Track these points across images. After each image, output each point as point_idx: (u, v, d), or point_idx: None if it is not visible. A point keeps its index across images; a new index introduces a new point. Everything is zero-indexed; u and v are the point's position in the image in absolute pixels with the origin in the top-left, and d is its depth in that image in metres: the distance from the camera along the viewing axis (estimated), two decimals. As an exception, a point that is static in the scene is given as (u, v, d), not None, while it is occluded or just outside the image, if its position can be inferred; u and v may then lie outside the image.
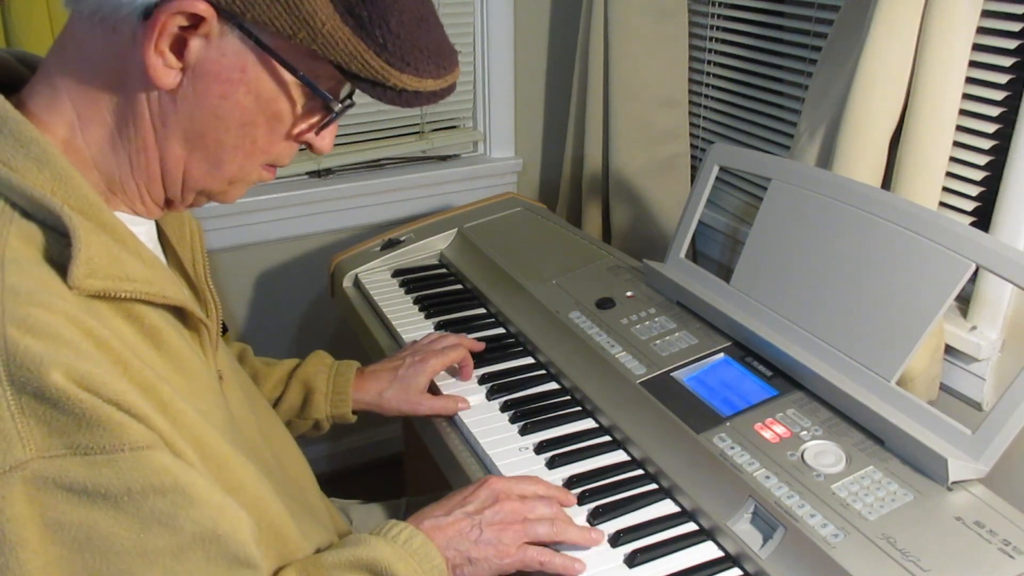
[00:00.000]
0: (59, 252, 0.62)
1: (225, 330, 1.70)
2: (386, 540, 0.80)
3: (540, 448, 1.03)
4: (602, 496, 0.95)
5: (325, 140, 0.73)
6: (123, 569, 0.58)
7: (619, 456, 1.02)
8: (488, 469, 1.01)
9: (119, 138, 0.67)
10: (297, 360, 1.14)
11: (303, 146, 0.74)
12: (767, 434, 0.97)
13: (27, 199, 0.62)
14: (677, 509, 0.94)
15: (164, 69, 0.63)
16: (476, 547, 0.84)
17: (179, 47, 0.63)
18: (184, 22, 0.62)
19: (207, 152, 0.69)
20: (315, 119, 0.71)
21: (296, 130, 0.71)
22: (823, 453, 0.94)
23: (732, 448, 0.95)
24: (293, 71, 0.65)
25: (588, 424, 1.08)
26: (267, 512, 0.74)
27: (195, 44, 0.63)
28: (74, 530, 0.57)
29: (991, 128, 1.19)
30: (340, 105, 0.69)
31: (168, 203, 0.73)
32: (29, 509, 0.55)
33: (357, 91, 0.69)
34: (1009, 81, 1.16)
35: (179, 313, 0.73)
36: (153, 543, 0.60)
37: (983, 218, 1.22)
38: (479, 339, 1.24)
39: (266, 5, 0.61)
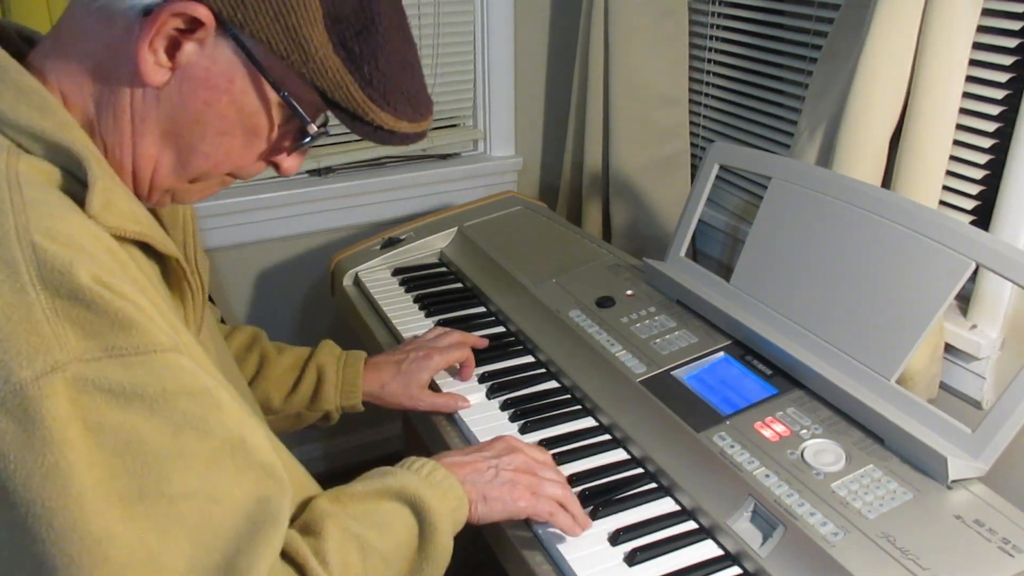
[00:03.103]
0: (70, 187, 0.63)
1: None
2: (411, 472, 0.82)
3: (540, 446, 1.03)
4: (602, 495, 0.95)
5: (293, 163, 0.75)
6: (162, 474, 0.59)
7: (619, 455, 1.02)
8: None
9: (97, 127, 0.68)
10: (309, 348, 1.14)
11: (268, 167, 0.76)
12: (767, 433, 0.97)
13: (35, 138, 0.63)
14: (677, 508, 0.94)
15: (154, 67, 0.64)
16: (491, 486, 0.86)
17: (172, 48, 0.64)
18: (182, 24, 0.63)
19: (179, 153, 0.69)
20: (288, 142, 0.73)
21: (270, 149, 0.72)
22: (823, 452, 0.94)
23: (732, 447, 0.96)
24: (278, 90, 0.67)
25: (588, 423, 1.08)
26: (279, 453, 0.74)
27: (188, 47, 0.64)
28: (114, 433, 0.57)
29: (991, 127, 1.19)
30: (316, 130, 0.71)
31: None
32: (72, 410, 0.56)
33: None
34: (1009, 80, 1.16)
35: (165, 275, 0.73)
36: (188, 446, 0.60)
37: (983, 217, 1.22)
38: (479, 337, 1.24)
39: (266, 23, 0.63)
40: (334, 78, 0.66)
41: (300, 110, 0.68)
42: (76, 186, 0.63)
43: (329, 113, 0.71)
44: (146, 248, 0.69)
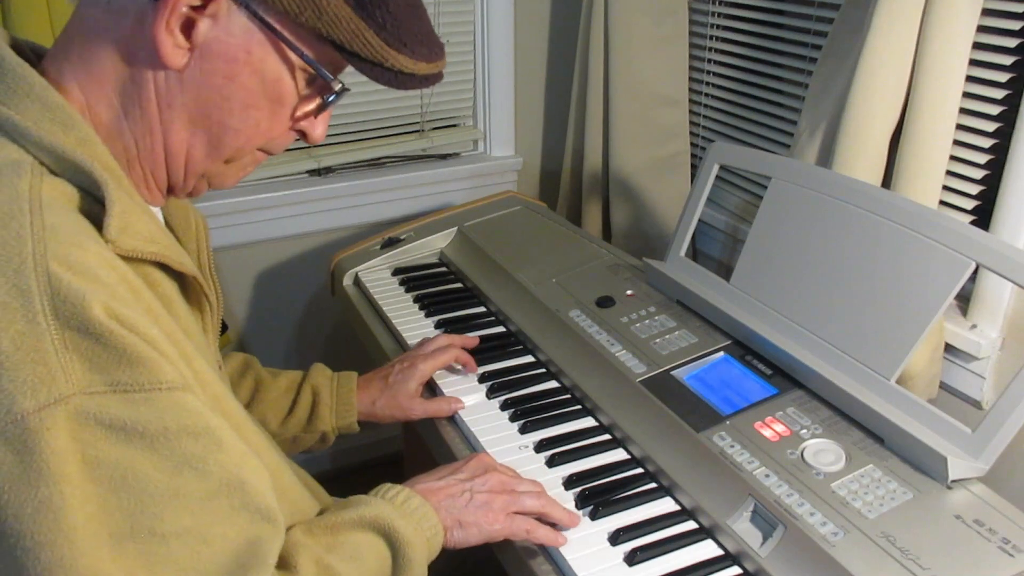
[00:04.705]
0: (89, 208, 0.64)
1: (225, 329, 1.69)
2: (385, 500, 0.81)
3: (540, 447, 1.03)
4: (602, 494, 0.95)
5: (319, 128, 0.75)
6: (156, 512, 0.59)
7: (619, 455, 1.02)
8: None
9: (125, 121, 0.68)
10: (301, 372, 1.14)
11: (298, 137, 0.76)
12: (767, 432, 0.97)
13: (57, 157, 0.63)
14: (677, 507, 0.94)
15: (173, 49, 0.64)
16: (466, 511, 0.86)
17: (187, 28, 0.64)
18: (195, 1, 0.63)
19: (210, 134, 0.70)
20: (313, 105, 0.73)
21: (296, 114, 0.73)
22: (823, 451, 0.94)
23: (732, 447, 0.96)
24: (298, 52, 0.67)
25: (588, 423, 1.08)
26: (281, 478, 0.75)
27: (203, 24, 0.64)
28: (111, 469, 0.57)
29: (991, 127, 1.19)
30: (340, 87, 0.71)
31: (170, 189, 0.74)
32: (71, 444, 0.56)
33: (350, 81, 0.71)
34: (1009, 80, 1.16)
35: (183, 290, 0.74)
36: (185, 486, 0.60)
37: (983, 217, 1.22)
38: (479, 337, 1.24)
39: None
40: (349, 27, 0.66)
41: (321, 68, 0.69)
42: (96, 207, 0.64)
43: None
44: (164, 266, 0.69)
